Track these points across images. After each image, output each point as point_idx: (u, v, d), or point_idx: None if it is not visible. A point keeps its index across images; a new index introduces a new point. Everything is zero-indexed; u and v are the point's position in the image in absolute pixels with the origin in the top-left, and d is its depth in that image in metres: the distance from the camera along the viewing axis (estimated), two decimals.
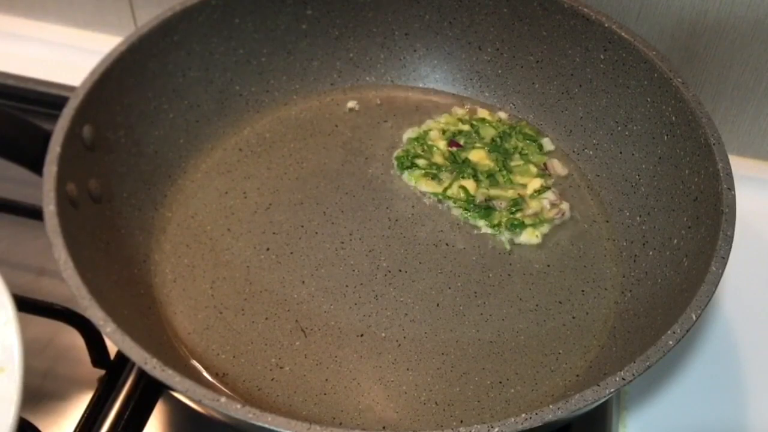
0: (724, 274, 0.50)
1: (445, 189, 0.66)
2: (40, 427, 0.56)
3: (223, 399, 0.43)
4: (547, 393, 0.55)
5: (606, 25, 0.64)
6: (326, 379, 0.55)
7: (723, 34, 0.68)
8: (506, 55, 0.71)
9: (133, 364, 0.47)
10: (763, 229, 0.70)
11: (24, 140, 0.56)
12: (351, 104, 0.71)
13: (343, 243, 0.63)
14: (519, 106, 0.72)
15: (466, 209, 0.65)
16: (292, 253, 0.62)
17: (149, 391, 0.58)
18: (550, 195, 0.66)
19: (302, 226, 0.64)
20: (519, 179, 0.67)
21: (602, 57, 0.65)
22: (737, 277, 0.64)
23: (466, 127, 0.70)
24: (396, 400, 0.55)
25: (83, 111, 0.56)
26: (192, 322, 0.58)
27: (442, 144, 0.68)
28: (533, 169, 0.67)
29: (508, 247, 0.63)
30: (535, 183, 0.66)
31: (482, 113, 0.71)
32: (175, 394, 0.47)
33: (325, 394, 0.55)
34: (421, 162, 0.67)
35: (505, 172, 0.67)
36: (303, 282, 0.60)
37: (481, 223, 0.64)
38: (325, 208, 0.65)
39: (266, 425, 0.43)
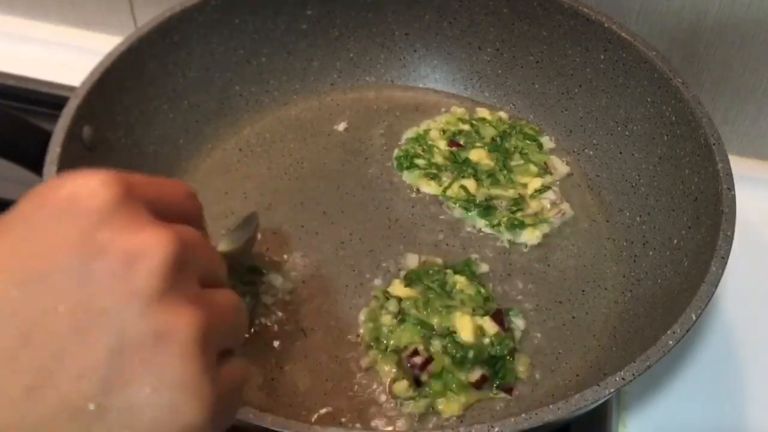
0: (724, 274, 0.50)
1: (445, 189, 0.66)
2: None
3: None
4: (547, 393, 0.55)
5: (606, 25, 0.64)
6: (326, 379, 0.55)
7: (723, 34, 0.68)
8: (506, 55, 0.71)
9: None
10: (763, 229, 0.70)
11: (24, 140, 0.56)
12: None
13: (343, 243, 0.63)
14: (519, 106, 0.72)
15: (466, 209, 0.64)
16: (292, 253, 0.62)
17: None
18: (550, 195, 0.66)
19: (302, 226, 0.64)
20: (519, 179, 0.66)
21: (602, 57, 0.65)
22: (737, 277, 0.64)
23: (466, 127, 0.70)
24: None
25: (83, 111, 0.56)
26: None
27: (442, 144, 0.68)
28: (533, 169, 0.67)
29: (508, 246, 0.63)
30: (536, 182, 0.66)
31: (482, 113, 0.71)
32: None
33: (325, 394, 0.55)
34: (420, 162, 0.67)
35: (505, 172, 0.67)
36: (303, 282, 0.60)
37: (481, 222, 0.64)
38: (325, 208, 0.65)
39: (266, 425, 0.43)
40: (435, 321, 0.56)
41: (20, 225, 0.31)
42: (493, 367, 0.55)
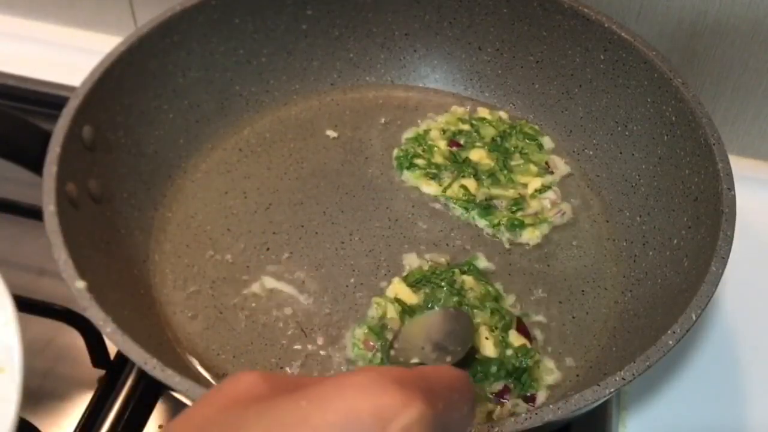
0: (724, 274, 0.50)
1: (445, 188, 0.66)
2: (40, 427, 0.56)
3: None
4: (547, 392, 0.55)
5: (606, 25, 0.64)
6: None
7: (723, 35, 0.68)
8: (506, 55, 0.71)
9: (133, 364, 0.47)
10: (763, 229, 0.70)
11: (24, 140, 0.56)
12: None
13: (343, 243, 0.63)
14: (519, 106, 0.72)
15: (466, 209, 0.64)
16: (292, 253, 0.62)
17: (149, 391, 0.58)
18: (550, 194, 0.66)
19: (302, 226, 0.64)
20: (520, 178, 0.66)
21: (602, 57, 0.65)
22: (737, 277, 0.64)
23: (466, 127, 0.70)
24: None
25: (83, 111, 0.56)
26: (192, 322, 0.58)
27: (442, 143, 0.68)
28: (534, 168, 0.67)
29: (508, 246, 0.63)
30: (536, 182, 0.66)
31: (482, 112, 0.71)
32: (175, 394, 0.47)
33: None
34: (420, 162, 0.67)
35: (505, 172, 0.67)
36: (303, 282, 0.60)
37: (481, 222, 0.64)
38: (325, 208, 0.65)
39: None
40: None
41: None
42: (518, 378, 0.54)
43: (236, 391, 0.30)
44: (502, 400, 0.53)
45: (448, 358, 0.49)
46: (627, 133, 0.65)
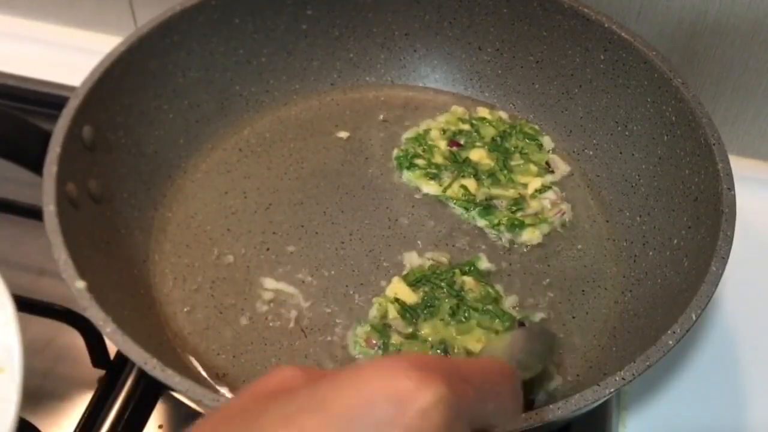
0: (724, 274, 0.50)
1: (446, 188, 0.66)
2: (40, 427, 0.56)
3: (223, 399, 0.43)
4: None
5: (606, 25, 0.64)
6: None
7: (723, 35, 0.68)
8: (506, 55, 0.71)
9: (133, 364, 0.47)
10: (763, 229, 0.70)
11: (24, 140, 0.56)
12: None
13: (343, 243, 0.63)
14: (519, 106, 0.72)
15: (466, 208, 0.64)
16: (292, 253, 0.62)
17: (149, 391, 0.58)
18: (550, 194, 0.66)
19: (302, 226, 0.64)
20: (520, 178, 0.66)
21: (602, 57, 0.65)
22: (737, 277, 0.64)
23: (466, 127, 0.70)
24: None
25: (83, 111, 0.56)
26: (192, 322, 0.58)
27: (442, 143, 0.68)
28: (534, 168, 0.67)
29: (508, 246, 0.63)
30: (536, 182, 0.66)
31: (482, 112, 0.71)
32: (175, 394, 0.47)
33: None
34: (420, 162, 0.67)
35: (505, 172, 0.67)
36: (303, 282, 0.60)
37: (481, 222, 0.64)
38: (325, 208, 0.65)
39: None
40: (448, 335, 0.56)
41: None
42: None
43: (272, 383, 0.31)
44: None
45: (525, 374, 0.47)
46: (627, 133, 0.65)
